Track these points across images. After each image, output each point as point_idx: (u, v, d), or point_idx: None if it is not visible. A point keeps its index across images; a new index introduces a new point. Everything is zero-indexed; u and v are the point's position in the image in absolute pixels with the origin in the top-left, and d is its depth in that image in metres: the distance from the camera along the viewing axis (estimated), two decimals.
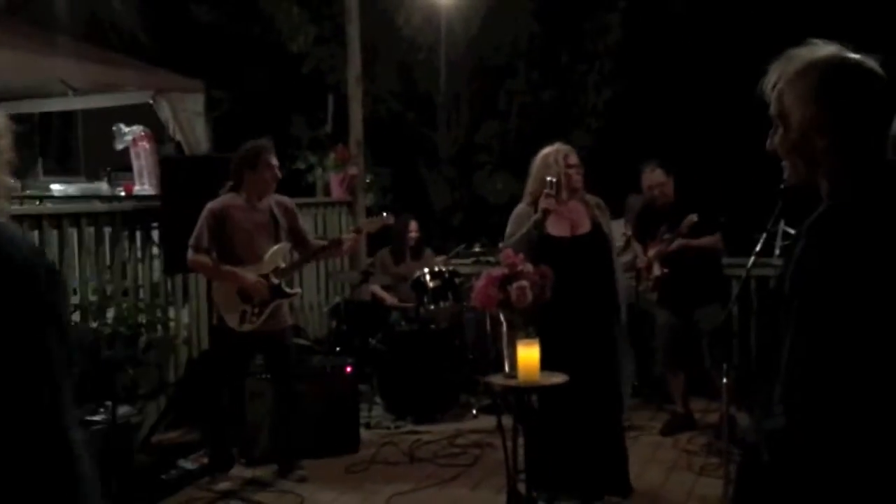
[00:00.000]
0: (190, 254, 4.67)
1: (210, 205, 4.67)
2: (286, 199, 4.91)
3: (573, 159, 4.39)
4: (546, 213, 4.20)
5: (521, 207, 4.42)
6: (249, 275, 4.62)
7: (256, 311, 4.66)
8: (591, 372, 4.15)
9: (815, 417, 1.46)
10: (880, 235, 1.50)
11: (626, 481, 4.37)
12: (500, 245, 4.60)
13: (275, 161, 4.72)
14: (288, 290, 4.81)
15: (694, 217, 5.16)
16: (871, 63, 1.62)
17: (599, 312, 4.30)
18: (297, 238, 4.88)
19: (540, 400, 3.91)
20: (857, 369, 1.45)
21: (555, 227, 4.32)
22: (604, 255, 4.38)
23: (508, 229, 4.41)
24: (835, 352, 1.45)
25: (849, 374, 1.44)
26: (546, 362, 3.70)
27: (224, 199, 4.70)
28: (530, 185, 4.41)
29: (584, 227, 4.37)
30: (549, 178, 4.24)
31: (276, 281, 4.68)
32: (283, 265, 4.75)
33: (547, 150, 4.41)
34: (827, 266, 1.49)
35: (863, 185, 1.57)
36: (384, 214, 5.47)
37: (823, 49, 1.64)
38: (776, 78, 1.66)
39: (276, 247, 4.72)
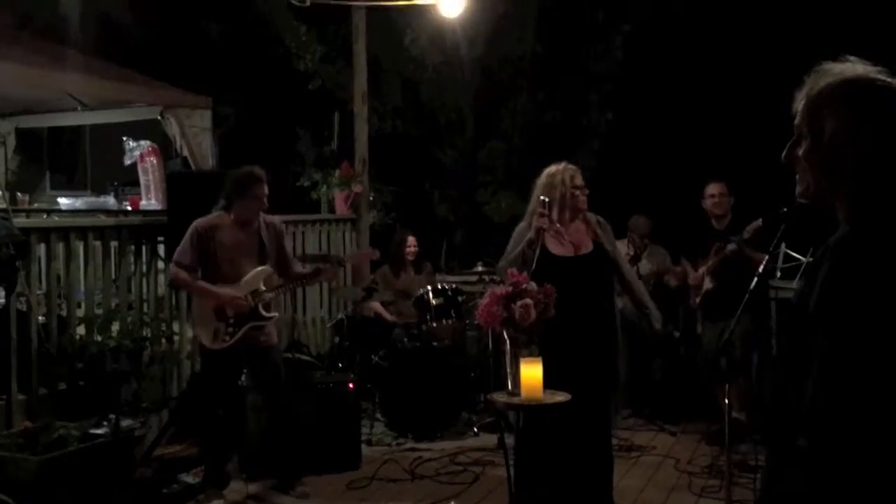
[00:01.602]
0: (171, 268, 4.71)
1: (196, 222, 4.70)
2: (275, 220, 4.92)
3: (579, 180, 4.40)
4: (539, 232, 4.22)
5: (521, 226, 4.45)
6: (226, 291, 4.61)
7: (230, 330, 4.64)
8: (591, 389, 4.17)
9: (844, 442, 1.46)
10: None
11: (609, 498, 4.40)
12: (499, 265, 4.63)
13: (264, 191, 4.72)
14: (264, 313, 4.74)
15: (759, 222, 5.20)
16: None
17: (600, 331, 4.33)
18: (280, 260, 4.87)
19: (536, 417, 3.92)
20: (891, 392, 1.45)
21: (558, 248, 4.34)
22: (607, 273, 4.40)
23: (508, 247, 4.45)
24: (868, 373, 1.46)
25: (883, 398, 1.45)
26: (547, 380, 3.72)
27: (212, 217, 4.72)
28: (532, 204, 4.44)
29: (587, 246, 4.39)
30: (541, 198, 4.27)
31: (252, 303, 4.67)
32: (262, 288, 4.72)
33: (553, 168, 4.42)
34: (857, 291, 1.49)
35: (889, 205, 1.58)
36: (370, 250, 5.55)
37: (858, 66, 1.65)
38: (808, 90, 1.66)
39: (257, 269, 4.71)
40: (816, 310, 1.54)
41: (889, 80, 1.63)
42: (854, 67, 1.65)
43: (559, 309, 3.93)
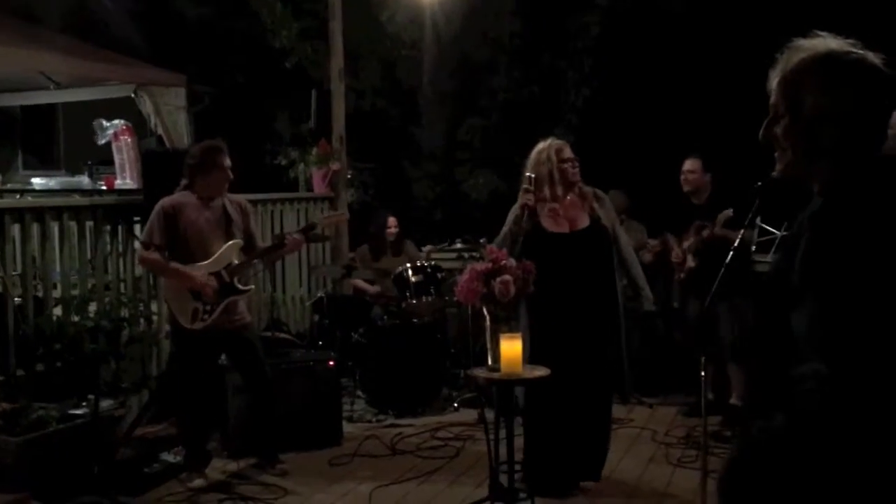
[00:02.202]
0: (139, 250, 4.65)
1: (162, 201, 4.64)
2: (241, 199, 4.87)
3: (567, 153, 4.38)
4: (524, 208, 4.22)
5: (515, 205, 4.43)
6: (198, 273, 4.56)
7: (208, 308, 4.60)
8: (591, 364, 4.20)
9: (861, 359, 1.50)
10: (881, 226, 1.55)
11: (599, 468, 4.46)
12: (487, 245, 4.62)
13: (227, 162, 4.67)
14: (241, 286, 4.71)
15: (730, 212, 5.26)
16: (874, 58, 1.66)
17: (601, 305, 4.33)
18: (247, 239, 4.82)
19: (534, 393, 3.96)
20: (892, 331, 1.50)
21: (552, 225, 4.32)
22: (604, 248, 4.37)
23: (504, 227, 4.43)
24: (870, 316, 1.50)
25: (885, 332, 1.50)
26: (548, 355, 3.75)
27: (177, 196, 4.67)
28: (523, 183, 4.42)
29: (583, 222, 4.37)
30: (527, 174, 4.27)
31: (227, 278, 4.64)
32: (236, 262, 4.69)
33: (540, 145, 4.41)
34: (848, 253, 1.53)
35: (865, 176, 1.61)
36: (340, 212, 5.46)
37: (830, 41, 1.66)
38: (782, 67, 1.68)
39: (229, 243, 4.68)
40: (802, 280, 1.57)
41: (862, 52, 1.65)
42: (826, 42, 1.67)
43: (558, 286, 3.94)
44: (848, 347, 1.51)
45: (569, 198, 4.38)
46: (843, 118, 1.62)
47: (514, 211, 4.38)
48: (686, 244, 5.63)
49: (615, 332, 4.39)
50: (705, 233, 5.39)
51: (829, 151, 1.64)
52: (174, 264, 4.60)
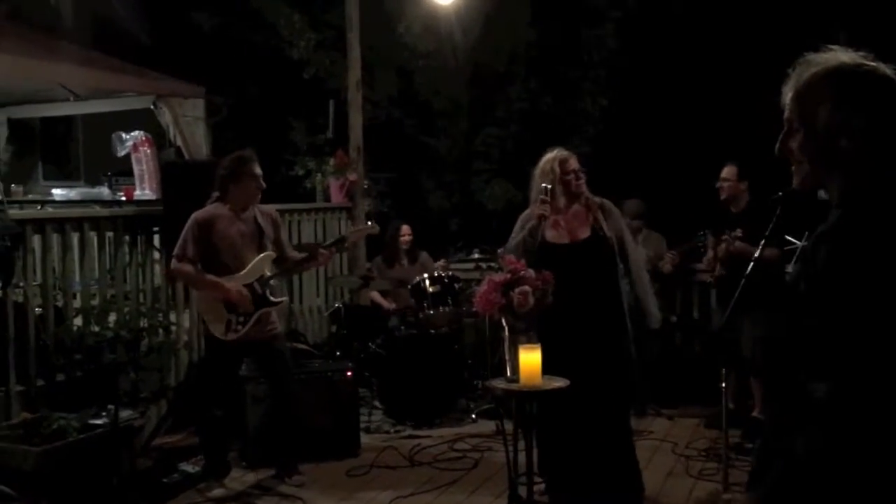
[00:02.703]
0: (173, 263, 4.68)
1: (195, 214, 4.69)
2: (271, 209, 4.92)
3: (573, 164, 4.37)
4: (540, 219, 4.22)
5: (525, 213, 4.44)
6: (232, 285, 4.61)
7: (241, 319, 4.65)
8: (599, 377, 4.17)
9: (866, 378, 1.49)
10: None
11: (638, 479, 4.40)
12: (500, 251, 4.63)
13: (258, 171, 4.71)
14: (273, 298, 4.76)
15: (738, 232, 5.26)
16: (886, 70, 1.65)
17: (604, 317, 4.30)
18: (278, 250, 4.87)
19: (547, 404, 3.93)
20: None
21: (553, 235, 4.33)
22: (605, 260, 4.35)
23: (512, 234, 4.44)
24: (880, 334, 1.49)
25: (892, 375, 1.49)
26: (552, 368, 3.73)
27: (209, 208, 4.72)
28: (532, 193, 4.43)
29: (584, 232, 4.36)
30: (543, 185, 4.27)
31: (260, 290, 4.69)
32: (268, 273, 4.74)
33: (548, 155, 4.41)
34: (855, 272, 1.52)
35: (882, 189, 1.60)
36: (369, 223, 5.53)
37: (844, 55, 1.66)
38: (795, 82, 1.68)
39: (261, 255, 4.72)
40: (813, 293, 1.57)
41: (874, 64, 1.65)
42: (837, 56, 1.67)
43: (559, 297, 3.92)
44: (853, 371, 1.50)
45: (573, 208, 4.38)
46: (857, 131, 1.62)
47: (524, 219, 4.38)
48: (712, 252, 5.60)
49: (621, 342, 4.34)
50: (721, 248, 5.35)
51: (843, 164, 1.64)
52: (209, 276, 4.65)
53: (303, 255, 5.00)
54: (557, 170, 4.33)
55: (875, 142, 1.61)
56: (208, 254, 4.65)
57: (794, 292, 1.64)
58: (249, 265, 4.69)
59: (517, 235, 4.38)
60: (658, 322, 4.56)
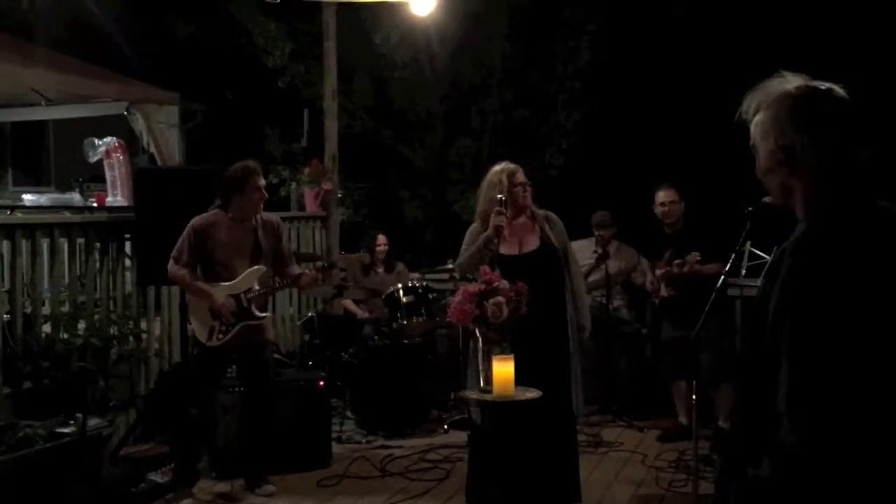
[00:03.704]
0: (170, 265, 4.73)
1: (194, 220, 4.72)
2: (274, 217, 4.93)
3: (520, 177, 4.46)
4: (498, 230, 4.26)
5: (473, 226, 4.51)
6: (219, 294, 4.65)
7: (223, 328, 4.70)
8: (545, 386, 4.19)
9: (828, 432, 1.52)
10: (859, 257, 1.59)
11: (576, 489, 4.44)
12: (453, 265, 4.67)
13: (262, 182, 4.76)
14: (257, 313, 4.76)
15: (696, 255, 5.38)
16: (839, 90, 1.70)
17: (551, 326, 4.35)
18: (277, 258, 4.86)
19: (491, 415, 3.93)
20: (860, 380, 1.52)
21: (504, 246, 4.38)
22: (554, 270, 4.42)
23: (462, 247, 4.49)
24: (836, 365, 1.53)
25: (853, 386, 1.52)
26: None
27: (209, 215, 4.75)
28: (480, 205, 4.49)
29: (533, 243, 4.45)
30: (499, 196, 4.31)
31: (245, 303, 4.70)
32: (256, 287, 4.75)
33: (495, 167, 4.50)
34: (817, 288, 1.56)
35: (843, 204, 1.66)
36: (362, 254, 5.52)
37: (791, 81, 1.72)
38: (748, 109, 1.75)
39: (252, 268, 4.73)
40: (779, 306, 1.60)
41: (827, 86, 1.70)
42: (787, 82, 1.73)
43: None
44: (819, 412, 1.53)
45: (520, 220, 4.45)
46: (814, 151, 1.67)
47: (475, 232, 4.44)
48: (659, 272, 5.69)
49: (564, 353, 4.39)
50: (681, 268, 5.44)
51: (804, 183, 1.69)
52: (198, 282, 4.70)
53: (303, 271, 5.00)
54: (506, 181, 4.39)
55: (833, 159, 1.67)
56: (202, 260, 4.70)
57: (759, 307, 1.68)
58: (239, 277, 4.71)
59: (469, 248, 4.42)
60: (586, 333, 4.59)
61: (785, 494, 1.55)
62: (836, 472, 1.52)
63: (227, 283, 4.69)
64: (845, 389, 1.52)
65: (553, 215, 4.57)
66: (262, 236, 4.79)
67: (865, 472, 1.53)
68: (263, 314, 4.85)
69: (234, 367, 5.03)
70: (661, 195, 5.72)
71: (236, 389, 5.02)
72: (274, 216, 4.97)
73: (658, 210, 5.74)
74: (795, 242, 1.65)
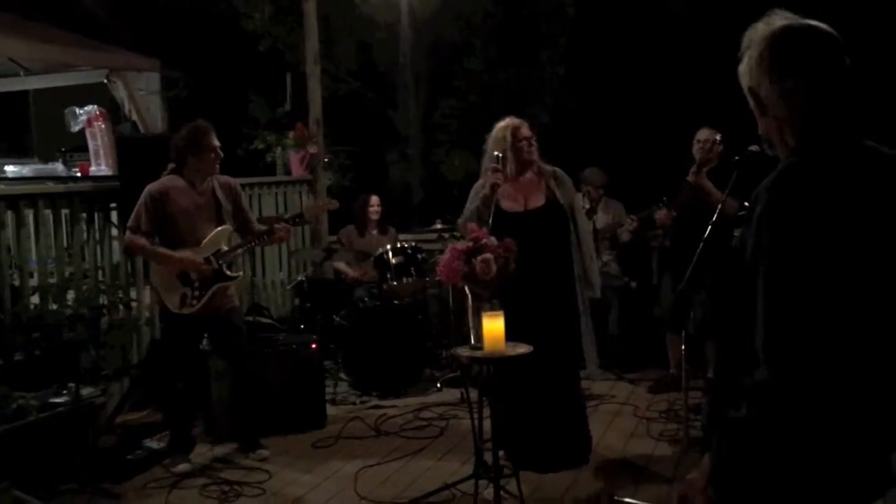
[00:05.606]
0: (126, 234, 4.61)
1: (149, 187, 4.59)
2: (230, 180, 4.83)
3: (525, 132, 4.41)
4: (494, 188, 4.24)
5: (477, 183, 4.47)
6: (188, 254, 4.55)
7: (197, 294, 4.59)
8: (551, 343, 4.22)
9: (800, 369, 1.53)
10: (832, 192, 1.58)
11: (587, 451, 4.49)
12: (458, 222, 4.65)
13: (216, 142, 4.63)
14: (229, 273, 4.70)
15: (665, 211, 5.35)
16: (824, 27, 1.68)
17: (557, 284, 4.37)
18: (240, 219, 4.81)
19: (502, 371, 3.98)
20: (831, 316, 1.53)
21: (508, 202, 4.36)
22: (560, 228, 4.40)
23: (466, 205, 4.47)
24: (808, 303, 1.54)
25: (824, 323, 1.53)
26: (509, 334, 3.76)
27: (164, 180, 4.62)
28: (485, 162, 4.46)
29: (538, 200, 4.41)
30: (495, 153, 4.29)
31: (216, 264, 4.62)
32: (224, 248, 4.67)
33: (500, 123, 4.45)
34: (787, 226, 1.56)
35: (819, 145, 1.65)
36: (328, 200, 5.43)
37: (774, 22, 1.70)
38: (741, 51, 1.74)
39: (217, 229, 4.66)
40: (754, 245, 1.60)
41: (810, 22, 1.68)
42: (775, 21, 1.71)
43: (515, 263, 3.94)
44: (791, 350, 1.54)
45: (526, 176, 4.41)
46: (798, 93, 1.66)
47: (478, 189, 4.40)
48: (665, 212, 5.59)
49: (573, 308, 4.40)
50: (695, 175, 5.23)
51: (791, 127, 1.69)
52: (162, 249, 4.56)
53: (264, 227, 4.97)
54: (510, 137, 4.36)
55: (817, 99, 1.66)
56: (164, 227, 4.57)
57: (737, 255, 1.68)
58: (206, 239, 4.62)
59: (471, 205, 4.41)
60: (596, 293, 4.58)
61: (760, 431, 1.57)
62: (807, 407, 1.54)
63: (194, 248, 4.58)
64: (816, 326, 1.53)
65: (561, 172, 4.50)
66: (223, 197, 4.69)
67: (835, 406, 1.55)
68: (236, 274, 4.77)
69: (206, 338, 4.95)
70: (706, 132, 5.47)
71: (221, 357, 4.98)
72: (229, 178, 4.84)
73: (698, 148, 5.46)
74: (768, 182, 1.65)
